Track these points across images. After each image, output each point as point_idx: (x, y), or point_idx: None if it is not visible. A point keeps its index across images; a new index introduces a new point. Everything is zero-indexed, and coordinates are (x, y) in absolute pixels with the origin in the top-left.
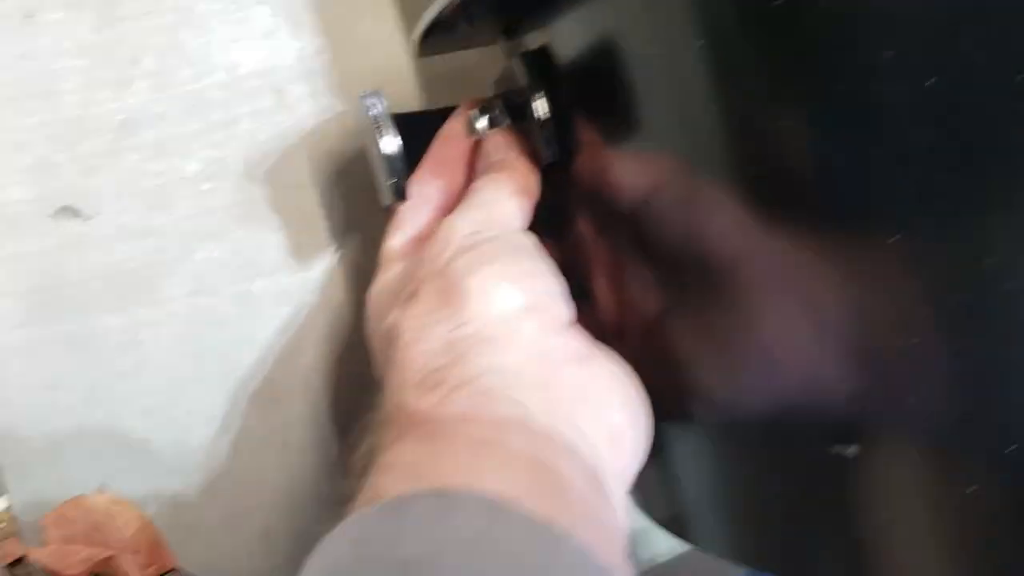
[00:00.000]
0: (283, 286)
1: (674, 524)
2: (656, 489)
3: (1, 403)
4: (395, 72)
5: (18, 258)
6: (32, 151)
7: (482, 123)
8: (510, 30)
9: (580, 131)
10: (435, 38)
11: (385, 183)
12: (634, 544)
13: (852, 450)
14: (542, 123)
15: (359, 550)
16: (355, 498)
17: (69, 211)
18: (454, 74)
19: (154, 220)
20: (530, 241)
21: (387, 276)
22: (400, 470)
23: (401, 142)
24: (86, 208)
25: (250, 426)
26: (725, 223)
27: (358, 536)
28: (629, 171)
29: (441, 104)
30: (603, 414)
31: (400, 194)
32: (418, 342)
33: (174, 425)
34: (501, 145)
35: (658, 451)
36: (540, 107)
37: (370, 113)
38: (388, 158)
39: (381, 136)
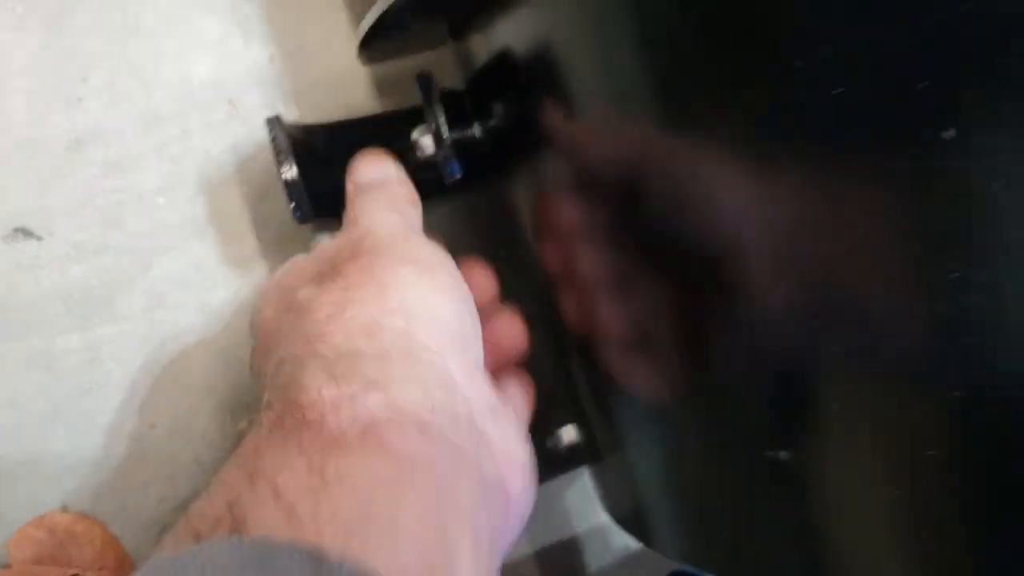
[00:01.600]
0: (243, 297)
1: (629, 523)
2: (615, 487)
3: None
4: (348, 77)
5: None
6: None
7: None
8: (456, 31)
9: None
10: (380, 42)
11: (288, 207)
12: (594, 541)
13: (784, 455)
14: (439, 147)
15: None
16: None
17: (22, 232)
18: (406, 76)
19: (110, 237)
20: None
21: (289, 265)
22: (272, 498)
23: (297, 170)
24: (39, 228)
25: (216, 438)
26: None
27: None
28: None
29: (394, 106)
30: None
31: (302, 218)
32: (339, 315)
33: (138, 440)
34: (372, 165)
35: (617, 447)
36: (426, 143)
37: (270, 140)
38: (287, 184)
39: (280, 164)
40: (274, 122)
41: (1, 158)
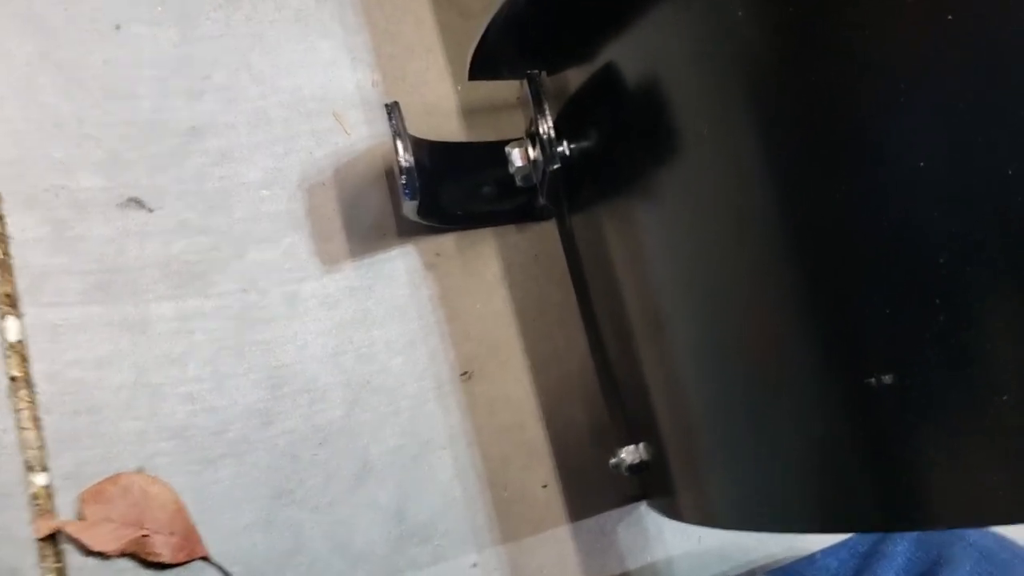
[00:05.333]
0: (329, 291)
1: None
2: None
3: (52, 377)
4: (440, 107)
5: (84, 240)
6: (105, 146)
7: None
8: (552, 62)
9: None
10: (485, 61)
11: (399, 184)
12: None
13: None
14: (537, 145)
15: None
16: None
17: (135, 202)
18: (491, 113)
19: (213, 219)
20: None
21: None
22: None
23: (412, 154)
24: (151, 201)
25: (290, 424)
26: None
27: None
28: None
29: (478, 138)
30: None
31: (411, 195)
32: None
33: (215, 415)
34: None
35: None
36: (516, 156)
37: (389, 122)
38: (402, 163)
39: (397, 143)
40: (394, 107)
41: (125, 134)
